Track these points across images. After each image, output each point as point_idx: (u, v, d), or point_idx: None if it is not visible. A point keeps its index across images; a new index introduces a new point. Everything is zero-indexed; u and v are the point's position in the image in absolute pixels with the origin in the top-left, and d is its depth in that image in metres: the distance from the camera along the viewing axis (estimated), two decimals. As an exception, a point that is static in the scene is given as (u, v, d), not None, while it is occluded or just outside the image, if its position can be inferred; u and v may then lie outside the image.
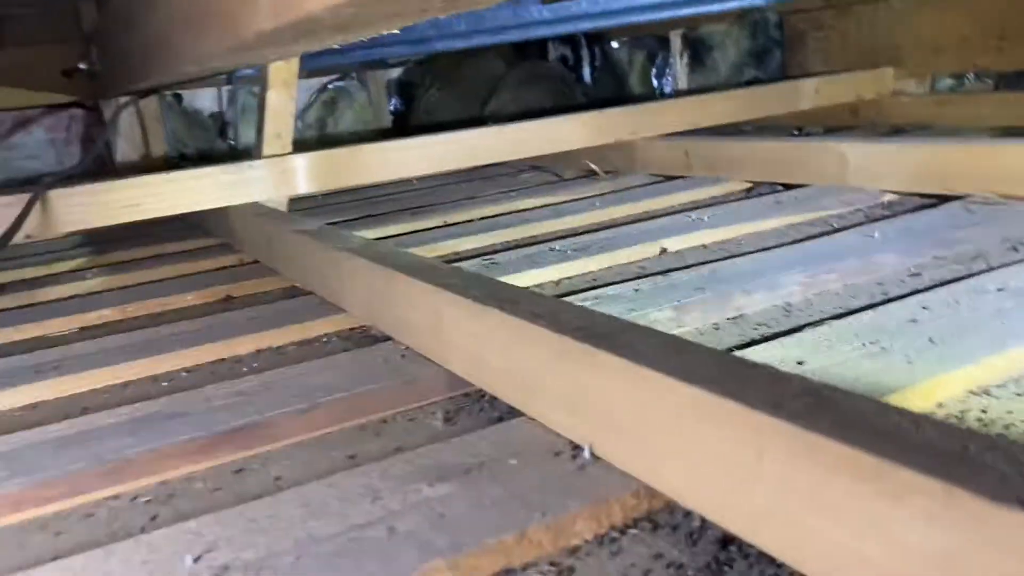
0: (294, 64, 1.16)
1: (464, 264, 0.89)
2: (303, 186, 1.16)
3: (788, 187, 1.11)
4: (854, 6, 1.62)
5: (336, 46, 0.85)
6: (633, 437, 0.39)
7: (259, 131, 1.18)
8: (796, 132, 1.64)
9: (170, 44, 0.97)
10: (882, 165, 0.98)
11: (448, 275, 0.58)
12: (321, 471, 0.46)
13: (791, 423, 0.31)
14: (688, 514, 0.38)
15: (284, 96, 1.17)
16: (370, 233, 1.08)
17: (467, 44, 1.66)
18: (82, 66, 1.67)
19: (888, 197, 0.98)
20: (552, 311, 0.47)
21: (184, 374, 0.66)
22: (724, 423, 0.33)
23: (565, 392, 0.44)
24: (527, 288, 0.67)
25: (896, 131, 1.48)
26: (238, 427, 0.53)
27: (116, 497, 0.46)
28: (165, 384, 0.64)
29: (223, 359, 0.68)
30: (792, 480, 0.31)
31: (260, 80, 1.18)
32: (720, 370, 0.36)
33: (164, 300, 0.87)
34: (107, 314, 0.84)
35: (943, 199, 0.92)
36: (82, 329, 0.81)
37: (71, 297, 0.94)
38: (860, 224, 0.88)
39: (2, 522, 0.44)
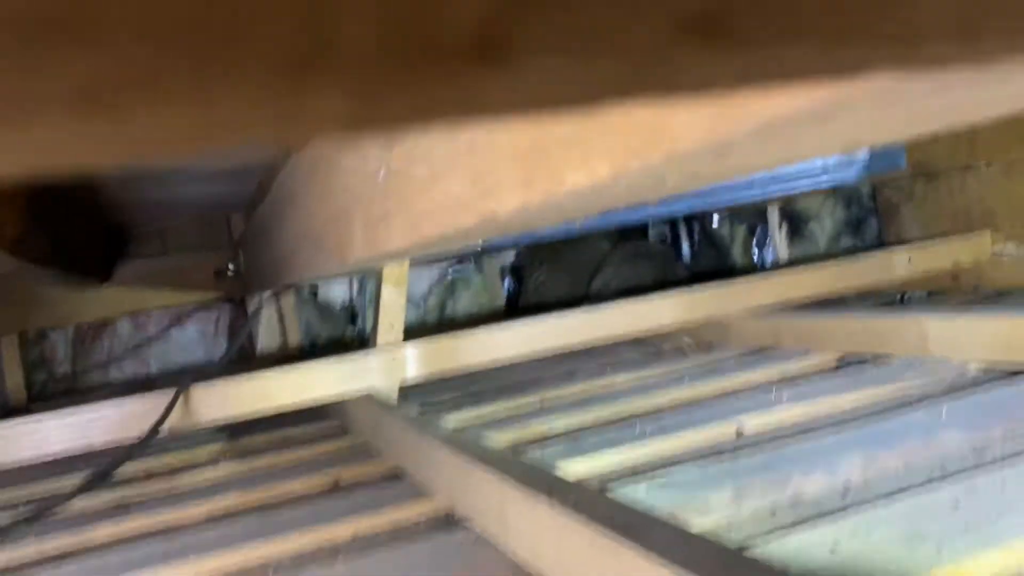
0: (404, 264, 1.30)
1: (550, 442, 0.95)
2: (412, 372, 1.27)
3: (877, 358, 1.12)
4: (942, 174, 1.65)
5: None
6: (648, 624, 0.43)
7: (374, 323, 1.31)
8: (899, 298, 1.65)
9: (296, 256, 1.11)
10: (962, 337, 0.99)
11: (511, 466, 0.65)
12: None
13: (760, 614, 0.35)
14: None
15: (396, 292, 1.30)
16: (468, 414, 1.16)
17: (571, 231, 1.79)
18: (231, 267, 1.89)
19: (972, 368, 0.98)
20: (591, 504, 0.53)
21: (288, 560, 0.74)
22: (711, 613, 0.38)
23: (598, 580, 0.49)
24: (593, 475, 0.72)
25: (999, 294, 1.47)
26: (324, 610, 0.59)
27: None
28: (270, 571, 0.72)
29: (322, 547, 0.76)
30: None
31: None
32: (717, 564, 0.41)
33: (282, 486, 0.97)
34: (231, 501, 0.94)
35: (1026, 370, 0.92)
36: (208, 516, 0.91)
37: (203, 484, 1.05)
38: (936, 398, 0.89)
39: None
